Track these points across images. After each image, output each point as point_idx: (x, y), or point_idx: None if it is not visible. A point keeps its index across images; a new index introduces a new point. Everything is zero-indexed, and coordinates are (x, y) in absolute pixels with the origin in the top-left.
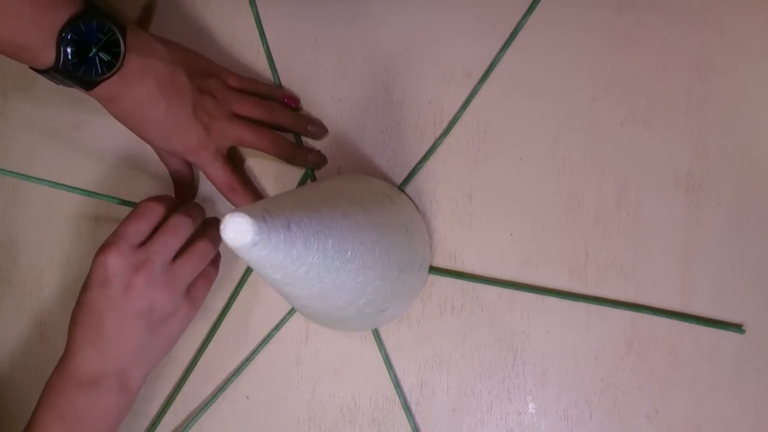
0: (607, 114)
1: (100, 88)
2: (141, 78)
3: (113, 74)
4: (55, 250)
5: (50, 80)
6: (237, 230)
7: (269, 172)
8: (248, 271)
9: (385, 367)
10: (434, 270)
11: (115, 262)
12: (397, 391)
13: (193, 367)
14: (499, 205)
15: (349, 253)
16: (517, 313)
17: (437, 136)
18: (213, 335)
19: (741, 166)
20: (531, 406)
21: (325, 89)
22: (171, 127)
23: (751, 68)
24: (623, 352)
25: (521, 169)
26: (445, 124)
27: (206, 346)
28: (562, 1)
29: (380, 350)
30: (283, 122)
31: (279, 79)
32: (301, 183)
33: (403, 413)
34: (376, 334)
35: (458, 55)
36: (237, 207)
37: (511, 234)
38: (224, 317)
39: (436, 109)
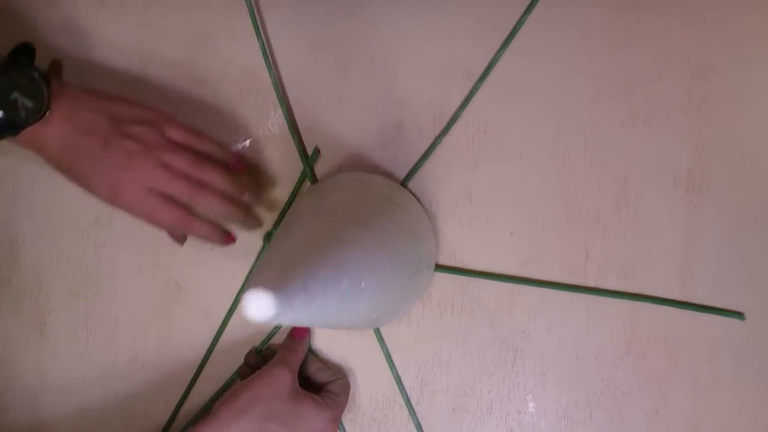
0: (607, 114)
1: (27, 136)
2: (63, 124)
3: (38, 120)
4: (55, 250)
5: None
6: (259, 307)
7: (269, 171)
8: (249, 274)
9: (386, 367)
10: (436, 267)
11: None
12: (399, 390)
13: (201, 371)
14: (499, 205)
15: (363, 283)
16: (517, 313)
17: (437, 135)
18: (218, 338)
19: (741, 166)
20: (531, 405)
21: (325, 89)
22: (90, 170)
23: (751, 69)
24: (623, 352)
25: (521, 170)
26: (445, 123)
27: (212, 350)
28: (562, 0)
29: (382, 349)
30: (216, 186)
31: (279, 79)
32: (300, 182)
33: (404, 412)
34: (378, 333)
35: (458, 55)
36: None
37: (511, 234)
38: (228, 321)
39: (435, 108)
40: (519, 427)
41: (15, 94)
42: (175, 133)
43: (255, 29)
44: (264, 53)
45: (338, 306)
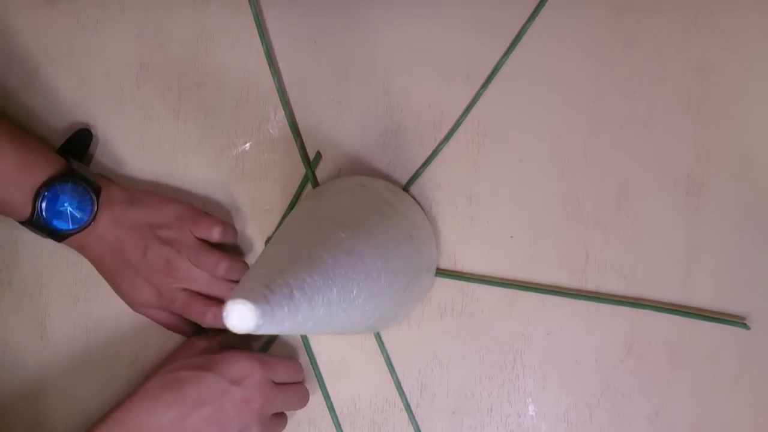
0: (608, 116)
1: (74, 239)
2: (107, 230)
3: (84, 228)
4: (55, 250)
5: (30, 230)
6: (240, 318)
7: (269, 175)
8: None
9: (386, 370)
10: (436, 271)
11: (258, 377)
12: (399, 394)
13: None
14: (500, 207)
15: (355, 291)
16: (517, 315)
17: (437, 138)
18: None
19: (741, 168)
20: (531, 408)
21: (325, 91)
22: (134, 275)
23: (751, 70)
24: (623, 354)
25: (521, 171)
26: (445, 126)
27: None
28: (563, 3)
29: (382, 352)
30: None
31: (279, 81)
32: (302, 186)
33: (404, 416)
34: (378, 337)
35: (458, 58)
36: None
37: (512, 236)
38: None
39: (436, 111)
40: (519, 429)
41: (66, 205)
42: (201, 232)
43: (259, 32)
44: (267, 56)
45: (329, 315)
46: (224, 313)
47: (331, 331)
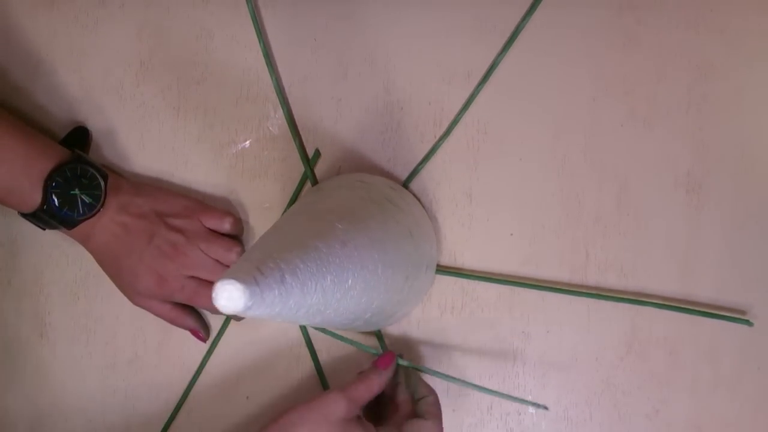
0: (608, 114)
1: (80, 228)
2: (113, 219)
3: (94, 214)
4: (55, 250)
5: (33, 223)
6: (229, 298)
7: (269, 172)
8: None
9: None
10: (436, 268)
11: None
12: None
13: (201, 371)
14: (499, 206)
15: (350, 281)
16: (517, 313)
17: (437, 136)
18: (219, 338)
19: (741, 166)
20: (531, 406)
21: (324, 89)
22: (137, 261)
23: (752, 69)
24: (623, 353)
25: (521, 170)
26: (445, 124)
27: (213, 350)
28: (563, 1)
29: (383, 350)
30: None
31: (279, 80)
32: (301, 183)
33: None
34: (378, 334)
35: (458, 56)
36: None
37: (511, 234)
38: (229, 321)
39: (436, 109)
40: (519, 428)
41: (77, 190)
42: (211, 222)
43: (256, 30)
44: (265, 54)
45: (322, 304)
46: (213, 294)
47: (327, 323)
